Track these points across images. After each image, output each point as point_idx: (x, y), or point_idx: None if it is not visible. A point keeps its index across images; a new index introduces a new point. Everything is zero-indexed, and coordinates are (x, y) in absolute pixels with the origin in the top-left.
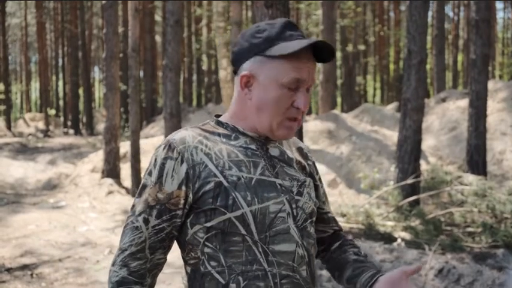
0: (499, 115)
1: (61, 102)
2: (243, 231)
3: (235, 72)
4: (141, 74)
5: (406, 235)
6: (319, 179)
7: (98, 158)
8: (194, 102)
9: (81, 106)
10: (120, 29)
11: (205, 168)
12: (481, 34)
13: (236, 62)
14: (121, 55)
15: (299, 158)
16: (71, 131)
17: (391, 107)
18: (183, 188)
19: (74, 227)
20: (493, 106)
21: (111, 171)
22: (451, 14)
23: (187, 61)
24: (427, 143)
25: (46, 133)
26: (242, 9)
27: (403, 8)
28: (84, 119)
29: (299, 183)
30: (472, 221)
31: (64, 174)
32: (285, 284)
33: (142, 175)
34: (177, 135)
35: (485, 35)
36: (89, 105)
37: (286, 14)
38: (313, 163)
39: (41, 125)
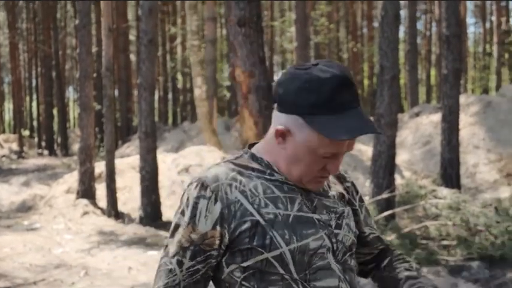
0: (471, 129)
1: (35, 123)
2: (281, 271)
3: (274, 102)
4: (116, 93)
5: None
6: (360, 198)
7: (72, 179)
8: (170, 121)
9: (55, 126)
10: (94, 49)
11: (240, 207)
12: (452, 49)
13: (277, 103)
14: (95, 75)
15: (336, 185)
16: (46, 152)
17: None
18: (218, 228)
19: (48, 249)
20: (466, 120)
21: (86, 191)
22: (423, 29)
23: (162, 79)
24: (402, 157)
25: (20, 154)
26: (216, 28)
27: (376, 24)
28: (59, 140)
29: (337, 215)
30: (447, 234)
31: (38, 196)
32: None
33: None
34: (209, 172)
35: (456, 50)
36: (64, 126)
37: (259, 32)
38: (352, 183)
39: (14, 146)
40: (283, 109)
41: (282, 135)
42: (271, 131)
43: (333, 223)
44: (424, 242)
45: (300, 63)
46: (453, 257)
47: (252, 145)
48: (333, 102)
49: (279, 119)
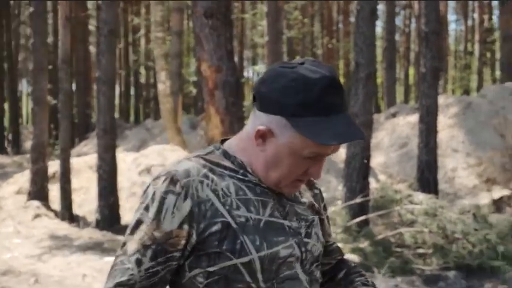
0: (450, 131)
1: None
2: (248, 279)
3: (254, 99)
4: (73, 87)
5: (355, 257)
6: (324, 206)
7: (24, 179)
8: (131, 118)
9: (6, 122)
10: (50, 39)
11: (211, 207)
12: (431, 47)
13: (257, 102)
14: (50, 67)
15: (306, 192)
16: None
17: None
18: (185, 227)
19: None
20: (444, 122)
21: (38, 192)
22: (401, 26)
23: (123, 73)
24: (377, 160)
25: None
26: (183, 19)
27: (352, 19)
28: (10, 136)
29: (307, 224)
30: (422, 242)
31: None
32: None
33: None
34: (179, 166)
35: (436, 47)
36: (15, 121)
37: (228, 24)
38: (320, 191)
39: None
40: (264, 109)
41: (263, 136)
42: (247, 129)
43: (303, 231)
44: (398, 249)
45: (285, 62)
46: (429, 266)
47: (223, 141)
48: (320, 104)
49: (259, 119)
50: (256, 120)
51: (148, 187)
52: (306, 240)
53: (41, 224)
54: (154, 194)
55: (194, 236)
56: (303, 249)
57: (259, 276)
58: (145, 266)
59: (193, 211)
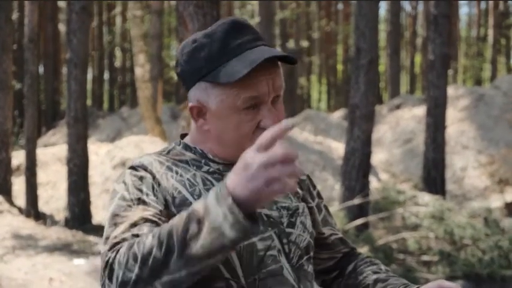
0: (460, 126)
1: None
2: (227, 275)
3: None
4: (41, 70)
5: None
6: (318, 193)
7: None
8: (105, 105)
9: None
10: (15, 15)
11: (179, 194)
12: (441, 31)
13: (183, 85)
14: (15, 46)
15: None
16: None
17: (338, 115)
18: (166, 210)
19: None
20: (454, 115)
21: (0, 186)
22: (408, 7)
23: (97, 55)
24: (378, 156)
25: None
26: None
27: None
28: None
29: (290, 212)
30: (427, 248)
31: None
32: None
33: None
34: (142, 159)
35: (445, 32)
36: None
37: (214, 2)
38: (308, 177)
39: None
40: (187, 85)
41: (198, 112)
42: (192, 121)
43: (285, 221)
44: (401, 256)
45: None
46: (434, 275)
47: (183, 136)
48: (226, 49)
49: (190, 100)
50: (189, 103)
51: (117, 183)
52: (288, 230)
53: (3, 222)
54: (125, 184)
55: None
56: (285, 240)
57: (239, 271)
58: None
59: (166, 198)
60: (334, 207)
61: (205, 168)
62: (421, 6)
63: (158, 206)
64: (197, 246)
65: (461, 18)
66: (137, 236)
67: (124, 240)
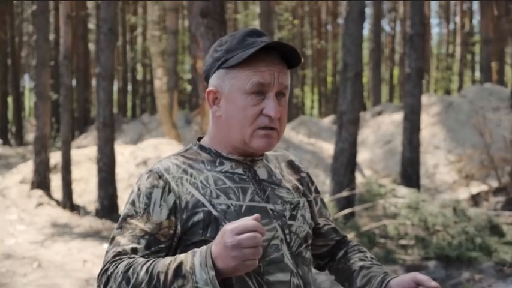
0: (432, 129)
1: None
2: None
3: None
4: (74, 82)
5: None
6: (315, 188)
7: (27, 169)
8: (129, 113)
9: (10, 115)
10: (52, 36)
11: (192, 198)
12: (416, 48)
13: (206, 79)
14: (52, 63)
15: (290, 176)
16: None
17: (328, 120)
18: (172, 218)
19: (1, 240)
20: (427, 120)
21: (40, 182)
22: (387, 28)
23: (121, 70)
24: (363, 155)
25: None
26: (178, 18)
27: (341, 21)
28: (13, 129)
29: (292, 206)
30: (405, 234)
31: None
32: None
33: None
34: (161, 165)
35: (420, 49)
36: (19, 115)
37: (222, 23)
38: (307, 174)
39: None
40: (208, 76)
41: (214, 97)
42: (210, 115)
43: (287, 214)
44: (382, 240)
45: None
46: (410, 256)
47: (199, 139)
48: (245, 42)
49: (209, 86)
50: (208, 89)
51: (134, 186)
52: (290, 222)
53: (43, 212)
54: (139, 189)
55: (179, 227)
56: (287, 231)
57: None
58: (141, 254)
59: (176, 203)
60: (325, 199)
61: (219, 168)
62: (398, 27)
63: (161, 217)
64: None
65: (433, 37)
66: (135, 250)
67: (124, 252)
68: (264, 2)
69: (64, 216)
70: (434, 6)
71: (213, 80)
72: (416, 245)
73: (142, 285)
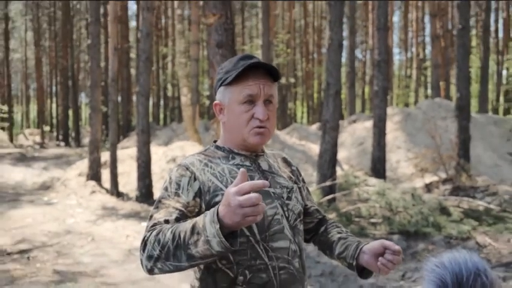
0: (395, 133)
1: (54, 121)
2: (247, 233)
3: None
4: (119, 99)
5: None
6: (302, 179)
7: (83, 165)
8: (161, 122)
9: (70, 124)
10: (102, 64)
11: (212, 184)
12: (382, 71)
13: (215, 94)
14: (103, 84)
15: (285, 168)
16: (62, 144)
17: (314, 127)
18: (197, 199)
19: (63, 220)
20: (391, 126)
21: (94, 175)
22: (360, 56)
23: (155, 89)
24: (342, 154)
25: (42, 145)
26: (199, 49)
27: (324, 50)
28: (73, 134)
29: (288, 190)
30: (374, 214)
31: (56, 178)
32: (282, 274)
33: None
34: (187, 160)
35: (385, 72)
36: (77, 123)
37: (233, 52)
38: (297, 168)
39: (37, 138)
40: (216, 92)
41: (220, 108)
42: (220, 124)
43: (285, 195)
44: (357, 219)
45: None
46: (379, 231)
47: (215, 141)
48: (237, 65)
49: (215, 101)
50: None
51: (167, 176)
52: (287, 202)
53: (96, 198)
54: (171, 178)
55: (203, 206)
56: (285, 208)
57: (255, 230)
58: (171, 225)
59: (201, 188)
60: (313, 188)
61: (232, 161)
62: (368, 55)
63: (188, 198)
64: (194, 250)
65: (395, 63)
66: (167, 221)
67: (159, 223)
68: (265, 36)
69: (111, 201)
70: (396, 39)
71: (218, 95)
72: (383, 222)
73: (169, 243)
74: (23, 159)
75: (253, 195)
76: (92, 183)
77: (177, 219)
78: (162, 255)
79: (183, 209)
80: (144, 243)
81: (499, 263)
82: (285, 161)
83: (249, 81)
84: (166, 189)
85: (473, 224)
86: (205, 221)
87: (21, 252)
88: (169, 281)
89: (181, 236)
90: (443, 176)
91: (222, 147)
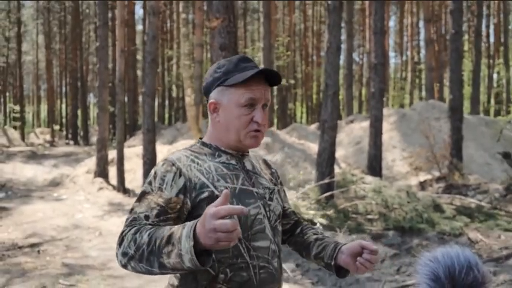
0: (390, 133)
1: (64, 120)
2: None
3: (207, 101)
4: (126, 99)
5: (323, 221)
6: (280, 182)
7: (91, 163)
8: (166, 121)
9: (79, 123)
10: (110, 65)
11: (199, 181)
12: (378, 74)
13: (206, 94)
14: (110, 85)
15: (266, 170)
16: (71, 142)
17: (313, 126)
18: (181, 196)
19: (72, 215)
20: (387, 127)
21: (101, 172)
22: (357, 59)
23: (161, 90)
24: (339, 153)
25: (52, 143)
26: (203, 52)
27: (322, 53)
28: (82, 133)
29: (270, 191)
30: (371, 210)
31: (65, 175)
32: (262, 274)
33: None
34: (174, 156)
35: (381, 74)
36: (85, 123)
37: (235, 55)
38: (276, 171)
39: (48, 137)
40: (208, 91)
41: (215, 107)
42: (209, 119)
43: (267, 196)
44: (354, 215)
45: None
46: (375, 227)
47: (201, 138)
48: (239, 66)
49: (209, 99)
50: (209, 112)
51: (152, 170)
52: (269, 202)
53: (103, 194)
54: (156, 173)
55: (189, 203)
56: (267, 209)
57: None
58: (151, 220)
59: (186, 185)
60: (312, 185)
61: (218, 159)
62: (365, 58)
63: (171, 194)
64: (166, 261)
65: (391, 66)
66: (147, 217)
67: (139, 218)
68: (266, 39)
69: (118, 197)
70: (391, 43)
71: (214, 94)
72: (379, 219)
73: (144, 246)
74: (34, 157)
75: (228, 221)
76: (100, 180)
77: (157, 215)
78: (136, 256)
79: (164, 205)
80: (122, 238)
81: (490, 258)
82: (266, 163)
83: (252, 86)
84: (150, 183)
85: (466, 220)
86: (182, 233)
87: (32, 246)
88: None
89: (157, 242)
90: (437, 174)
91: (208, 144)
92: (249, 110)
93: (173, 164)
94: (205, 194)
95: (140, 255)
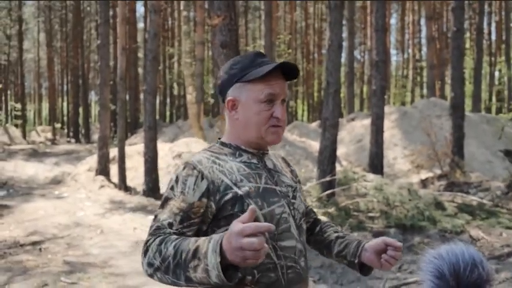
0: (392, 131)
1: (65, 118)
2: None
3: (223, 101)
4: (127, 97)
5: (325, 219)
6: (299, 180)
7: (93, 160)
8: (167, 119)
9: (80, 121)
10: (111, 63)
11: (222, 183)
12: (380, 71)
13: (222, 92)
14: (111, 82)
15: (286, 168)
16: (73, 140)
17: (315, 124)
18: (204, 199)
19: (73, 213)
20: (388, 125)
21: (102, 170)
22: (358, 56)
23: (162, 87)
24: (341, 151)
25: (53, 141)
26: (204, 49)
27: (324, 51)
28: (83, 131)
29: (293, 189)
30: (372, 208)
31: (66, 173)
32: (290, 274)
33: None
34: (194, 158)
35: (382, 72)
36: (87, 120)
37: (237, 53)
38: (294, 169)
39: (49, 135)
40: (225, 90)
41: (233, 104)
42: (226, 118)
43: (290, 194)
44: (355, 213)
45: None
46: (376, 225)
47: (219, 139)
48: (255, 62)
49: (227, 97)
50: (226, 110)
51: (174, 175)
52: (292, 201)
53: (104, 192)
54: (177, 177)
55: (213, 206)
56: (291, 207)
57: None
58: (175, 227)
59: (209, 188)
60: (313, 183)
61: (239, 158)
62: (367, 56)
63: (193, 198)
64: (193, 275)
65: (392, 63)
66: (171, 224)
67: (163, 226)
68: (267, 37)
69: (119, 195)
70: (393, 40)
71: (232, 92)
72: (380, 216)
73: (169, 259)
74: (35, 154)
75: (255, 240)
76: (101, 177)
77: (181, 221)
78: (162, 268)
79: (187, 210)
80: (146, 248)
81: (492, 256)
82: (285, 161)
83: (271, 81)
84: (172, 188)
85: (467, 218)
86: (208, 247)
87: (34, 243)
88: None
89: (183, 256)
90: (439, 172)
91: (228, 144)
92: (269, 105)
93: (194, 168)
94: (229, 196)
95: (166, 267)
